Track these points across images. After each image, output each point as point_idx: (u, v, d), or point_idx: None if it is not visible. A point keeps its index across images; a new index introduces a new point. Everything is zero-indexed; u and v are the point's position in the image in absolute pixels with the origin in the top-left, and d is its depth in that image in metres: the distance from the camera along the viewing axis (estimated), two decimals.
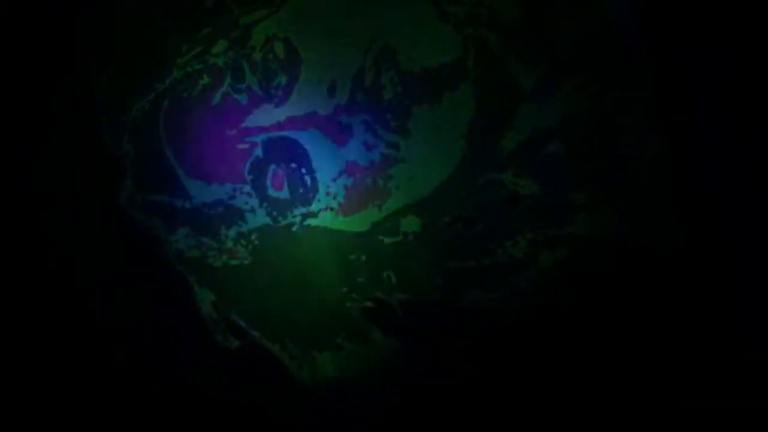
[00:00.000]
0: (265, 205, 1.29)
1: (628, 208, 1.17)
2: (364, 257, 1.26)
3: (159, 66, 1.32)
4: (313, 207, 1.27)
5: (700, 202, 1.18)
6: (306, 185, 1.27)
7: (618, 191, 1.17)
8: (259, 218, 1.29)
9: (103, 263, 1.34)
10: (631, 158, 1.17)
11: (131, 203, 1.33)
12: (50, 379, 1.36)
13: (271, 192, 1.28)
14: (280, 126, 1.26)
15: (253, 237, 1.30)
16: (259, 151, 1.28)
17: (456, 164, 1.20)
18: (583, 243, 1.18)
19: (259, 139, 1.27)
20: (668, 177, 1.17)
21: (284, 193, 1.27)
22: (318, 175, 1.26)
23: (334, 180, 1.25)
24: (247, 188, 1.29)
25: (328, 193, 1.26)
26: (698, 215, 1.18)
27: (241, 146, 1.28)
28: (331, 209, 1.26)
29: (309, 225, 1.27)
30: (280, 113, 1.26)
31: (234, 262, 1.31)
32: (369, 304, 1.27)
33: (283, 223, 1.28)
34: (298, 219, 1.28)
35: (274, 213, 1.29)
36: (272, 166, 1.27)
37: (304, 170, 1.26)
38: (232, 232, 1.30)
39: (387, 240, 1.24)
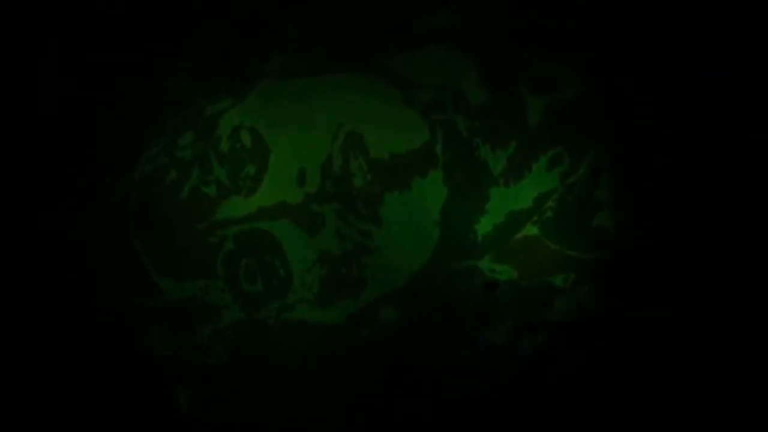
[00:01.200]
0: (239, 299, 1.25)
1: (607, 286, 1.15)
2: (342, 350, 1.23)
3: (127, 160, 1.30)
4: (288, 299, 1.23)
5: (680, 274, 1.15)
6: (280, 277, 1.23)
7: (595, 270, 1.15)
8: (234, 313, 1.25)
9: (73, 361, 1.31)
10: (607, 234, 1.15)
11: (101, 302, 1.30)
12: None
13: (245, 286, 1.24)
14: (250, 217, 1.23)
15: (228, 333, 1.26)
16: (230, 244, 1.24)
17: (431, 252, 1.18)
18: (562, 326, 1.15)
19: (230, 231, 1.24)
20: (647, 250, 1.15)
21: (258, 287, 1.24)
22: (292, 267, 1.22)
23: (309, 270, 1.22)
24: (219, 283, 1.25)
25: (302, 285, 1.22)
26: (680, 288, 1.15)
27: (212, 240, 1.25)
28: (307, 301, 1.23)
29: (285, 318, 1.24)
30: (251, 204, 1.23)
31: (210, 361, 1.27)
32: (349, 398, 1.23)
33: (259, 317, 1.24)
34: (273, 313, 1.24)
35: (249, 308, 1.25)
36: (244, 260, 1.24)
37: (277, 262, 1.22)
38: (207, 329, 1.27)
39: (365, 331, 1.21)
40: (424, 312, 1.19)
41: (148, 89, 1.29)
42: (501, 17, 1.22)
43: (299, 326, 1.23)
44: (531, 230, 1.15)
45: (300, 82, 1.24)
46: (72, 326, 1.29)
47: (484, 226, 1.16)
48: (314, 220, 1.21)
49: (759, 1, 1.19)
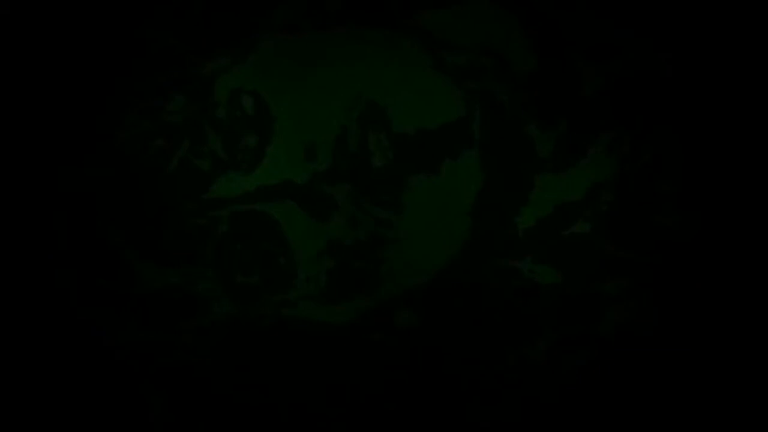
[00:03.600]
0: (230, 292, 1.10)
1: (667, 296, 1.02)
2: (349, 356, 1.08)
3: (104, 125, 1.14)
4: (290, 294, 1.10)
5: (754, 284, 1.00)
6: (280, 268, 1.09)
7: (654, 276, 1.02)
8: (224, 308, 1.11)
9: (41, 359, 1.15)
10: (671, 234, 1.01)
11: (69, 291, 1.14)
12: None
13: (239, 277, 1.10)
14: (248, 197, 1.10)
15: (215, 331, 1.11)
16: (224, 227, 1.10)
17: (460, 247, 1.05)
18: (613, 342, 1.02)
19: (224, 212, 1.10)
20: (716, 255, 1.01)
21: (255, 278, 1.10)
22: (295, 257, 1.09)
23: (315, 262, 1.09)
24: (209, 272, 1.11)
25: (307, 278, 1.09)
26: (753, 300, 1.00)
27: (202, 222, 1.11)
28: (312, 297, 1.09)
29: (284, 316, 1.10)
30: (249, 182, 1.10)
31: (192, 361, 1.12)
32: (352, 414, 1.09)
33: (254, 314, 1.11)
34: (271, 309, 1.10)
35: (242, 302, 1.11)
36: (240, 246, 1.10)
37: (278, 250, 1.09)
38: (190, 325, 1.12)
39: (377, 336, 1.07)
40: (447, 318, 1.06)
41: (127, 41, 1.13)
42: None
43: (300, 326, 1.10)
44: (582, 226, 1.03)
45: (309, 38, 1.11)
46: (34, 314, 1.14)
47: (525, 219, 1.04)
48: (323, 204, 1.09)
49: None
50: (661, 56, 1.03)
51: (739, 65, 1.00)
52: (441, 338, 1.05)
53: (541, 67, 1.03)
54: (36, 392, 1.17)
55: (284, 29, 1.11)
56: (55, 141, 1.13)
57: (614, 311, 1.01)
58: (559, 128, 1.03)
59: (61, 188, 1.13)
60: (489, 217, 1.04)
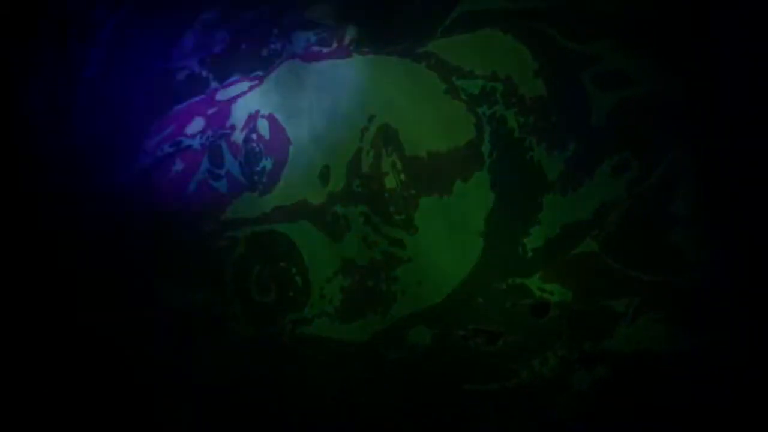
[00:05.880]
0: (248, 310, 1.11)
1: (677, 314, 1.00)
2: (365, 372, 1.08)
3: (126, 149, 1.15)
4: (306, 312, 1.10)
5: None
6: (296, 287, 1.09)
7: (664, 296, 1.00)
8: (243, 327, 1.11)
9: (64, 379, 1.16)
10: (681, 254, 1.00)
11: (93, 309, 1.15)
12: None
13: (256, 296, 1.11)
14: (265, 218, 1.10)
15: (234, 348, 1.12)
16: (241, 248, 1.11)
17: (472, 266, 1.04)
18: (623, 359, 1.00)
19: (241, 233, 1.11)
20: (728, 275, 0.99)
21: (271, 297, 1.10)
22: (311, 276, 1.09)
23: (329, 281, 1.09)
24: (227, 292, 1.11)
25: (322, 296, 1.09)
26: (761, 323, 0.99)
27: (221, 242, 1.11)
28: (327, 315, 1.09)
29: (301, 334, 1.10)
30: (266, 203, 1.10)
31: (213, 377, 1.12)
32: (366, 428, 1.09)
33: (271, 332, 1.11)
34: (288, 327, 1.10)
35: (259, 320, 1.11)
36: (257, 266, 1.11)
37: (294, 270, 1.09)
38: (210, 343, 1.12)
39: (392, 353, 1.07)
40: (460, 335, 1.05)
41: (150, 69, 1.14)
42: None
43: (316, 344, 1.10)
44: (590, 246, 1.01)
45: (326, 64, 1.10)
46: (57, 333, 1.15)
47: (534, 239, 1.03)
48: (338, 224, 1.08)
49: None
50: (668, 80, 1.02)
51: (746, 89, 0.99)
52: (453, 355, 1.04)
53: (548, 93, 1.02)
54: (60, 407, 1.17)
55: (302, 55, 1.10)
56: (86, 161, 1.15)
57: (624, 328, 1.00)
58: (566, 151, 1.01)
59: (86, 209, 1.14)
60: (499, 236, 1.03)
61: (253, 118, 1.11)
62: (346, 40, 1.10)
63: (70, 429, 1.17)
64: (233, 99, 1.13)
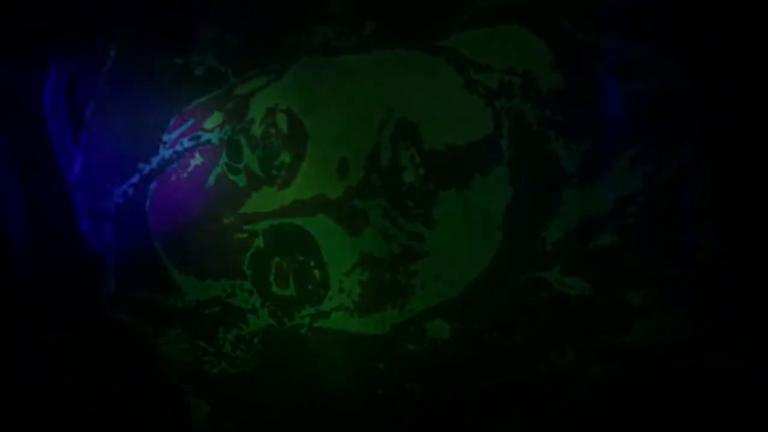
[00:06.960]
0: (268, 304, 1.11)
1: (695, 311, 1.01)
2: (383, 365, 1.09)
3: (144, 144, 1.16)
4: (324, 306, 1.10)
5: None
6: (315, 281, 1.09)
7: (682, 291, 1.00)
8: (262, 319, 1.12)
9: (83, 370, 1.18)
10: (699, 247, 1.00)
11: (113, 302, 1.17)
12: None
13: (275, 289, 1.11)
14: (284, 211, 1.09)
15: (255, 341, 1.13)
16: (260, 241, 1.10)
17: (491, 260, 1.04)
18: (640, 353, 1.01)
19: (260, 227, 1.10)
20: (744, 269, 1.00)
21: (290, 290, 1.10)
22: (329, 269, 1.09)
23: (348, 274, 1.08)
24: (247, 284, 1.11)
25: (341, 290, 1.09)
26: None
27: (240, 236, 1.11)
28: (345, 308, 1.09)
29: (320, 327, 1.11)
30: (284, 197, 1.09)
31: (233, 370, 1.14)
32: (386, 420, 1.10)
33: (290, 324, 1.11)
34: (306, 320, 1.11)
35: (279, 313, 1.11)
36: (276, 259, 1.10)
37: (312, 263, 1.09)
38: (230, 335, 1.14)
39: (410, 347, 1.07)
40: (479, 329, 1.05)
41: (170, 64, 1.15)
42: None
43: (335, 336, 1.10)
44: (608, 239, 1.01)
45: (344, 59, 1.10)
46: (81, 327, 1.17)
47: (553, 232, 1.02)
48: (356, 218, 1.07)
49: None
50: (686, 74, 1.03)
51: (765, 83, 1.00)
52: (472, 348, 1.05)
53: (567, 86, 1.02)
54: (78, 402, 1.19)
55: (320, 50, 1.11)
56: (106, 156, 1.16)
57: (643, 321, 1.00)
58: (584, 145, 1.01)
59: (111, 203, 1.15)
60: (518, 230, 1.02)
61: (271, 112, 1.10)
62: (365, 34, 1.11)
63: (88, 423, 1.19)
64: (251, 93, 1.12)
